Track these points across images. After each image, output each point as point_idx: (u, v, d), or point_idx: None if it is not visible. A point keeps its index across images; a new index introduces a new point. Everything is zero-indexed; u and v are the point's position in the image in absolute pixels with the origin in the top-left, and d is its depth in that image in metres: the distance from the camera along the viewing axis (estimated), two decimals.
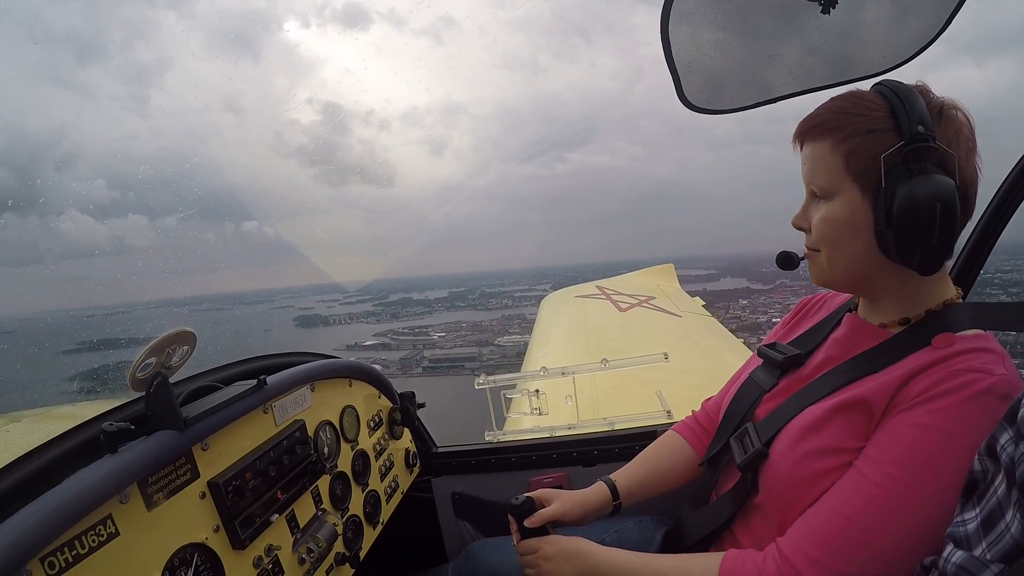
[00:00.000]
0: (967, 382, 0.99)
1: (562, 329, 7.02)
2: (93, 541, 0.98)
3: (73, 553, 0.94)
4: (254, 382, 1.41)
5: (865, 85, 1.19)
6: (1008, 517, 0.76)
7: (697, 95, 1.43)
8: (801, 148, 1.20)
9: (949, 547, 0.83)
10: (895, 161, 1.05)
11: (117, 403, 1.28)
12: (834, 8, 1.28)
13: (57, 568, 0.92)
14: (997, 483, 0.80)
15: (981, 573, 0.76)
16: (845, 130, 1.10)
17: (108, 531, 1.01)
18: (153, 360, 1.16)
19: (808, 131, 1.16)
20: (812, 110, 1.18)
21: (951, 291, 1.18)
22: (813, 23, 1.33)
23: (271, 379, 1.47)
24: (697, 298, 9.01)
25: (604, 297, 7.95)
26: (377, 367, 2.06)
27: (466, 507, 2.27)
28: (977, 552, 0.78)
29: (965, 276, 1.81)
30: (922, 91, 1.10)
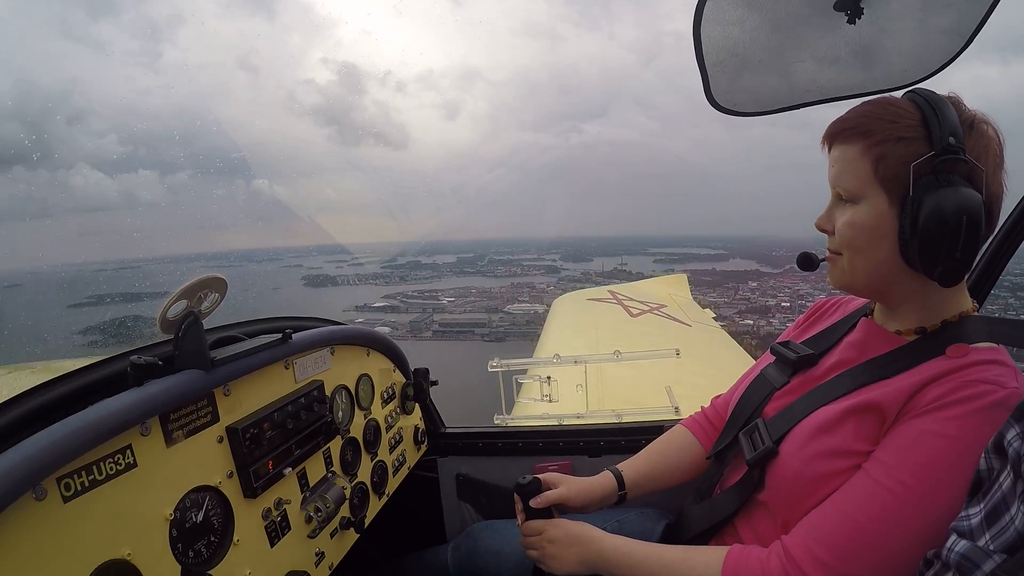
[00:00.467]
0: (980, 393, 1.00)
1: (573, 329, 7.04)
2: (111, 468, 0.99)
3: (90, 478, 0.96)
4: (279, 335, 1.44)
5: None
6: (1013, 510, 0.77)
7: (725, 96, 1.46)
8: (830, 150, 1.19)
9: (952, 537, 0.84)
10: (924, 170, 1.05)
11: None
12: (860, 18, 1.29)
13: (72, 490, 0.93)
14: (1002, 478, 0.82)
15: (983, 562, 0.77)
16: (876, 135, 1.10)
17: (127, 461, 1.03)
18: (184, 303, 1.17)
19: (839, 133, 1.16)
20: (842, 113, 1.19)
21: (968, 303, 1.18)
22: (839, 33, 1.35)
23: (295, 336, 1.50)
24: (708, 310, 9.04)
25: (616, 302, 7.96)
26: (391, 338, 2.08)
27: (469, 489, 2.29)
28: (980, 543, 0.79)
29: (980, 288, 1.81)
30: (955, 102, 1.10)
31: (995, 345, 1.11)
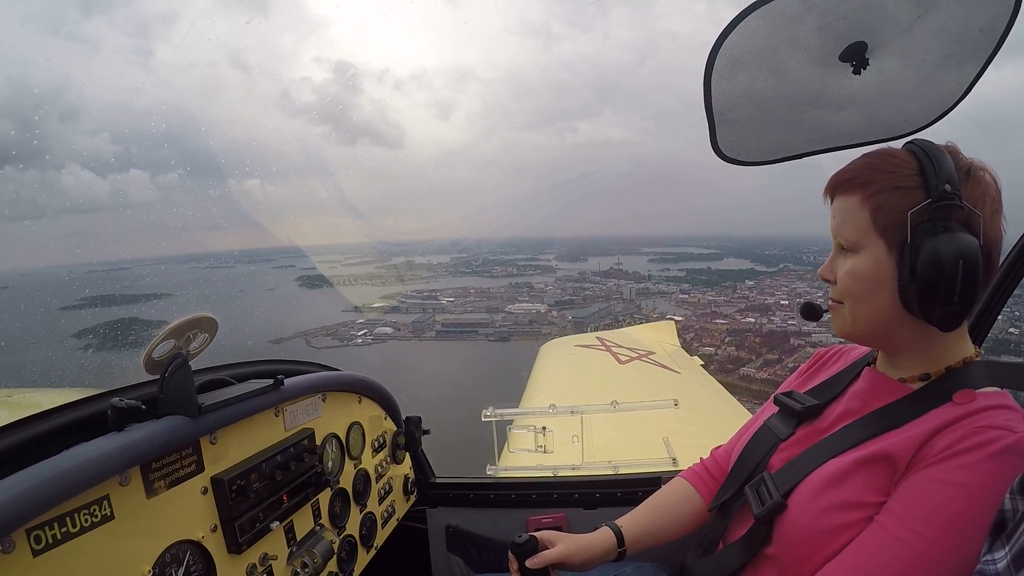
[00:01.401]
0: (990, 439, 0.99)
1: (561, 376, 7.02)
2: (86, 520, 0.93)
3: (63, 530, 0.89)
4: (270, 381, 1.38)
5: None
6: None
7: (729, 146, 1.48)
8: (831, 202, 1.21)
9: None
10: (921, 218, 1.07)
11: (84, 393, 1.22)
12: (864, 69, 1.31)
13: (43, 543, 0.87)
14: None
15: None
16: (874, 186, 1.12)
17: (103, 512, 0.96)
18: (172, 343, 1.12)
19: (839, 185, 1.18)
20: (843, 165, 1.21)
21: (970, 348, 1.18)
22: (844, 83, 1.36)
23: (287, 382, 1.44)
24: (696, 357, 9.05)
25: (604, 348, 7.91)
26: (386, 387, 2.02)
27: (459, 541, 2.21)
28: None
29: (977, 332, 1.82)
30: (951, 151, 1.12)
31: (999, 389, 1.11)
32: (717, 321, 52.09)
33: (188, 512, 1.15)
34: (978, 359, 1.17)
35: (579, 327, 56.20)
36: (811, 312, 1.33)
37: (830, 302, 1.24)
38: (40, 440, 1.04)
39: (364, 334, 57.67)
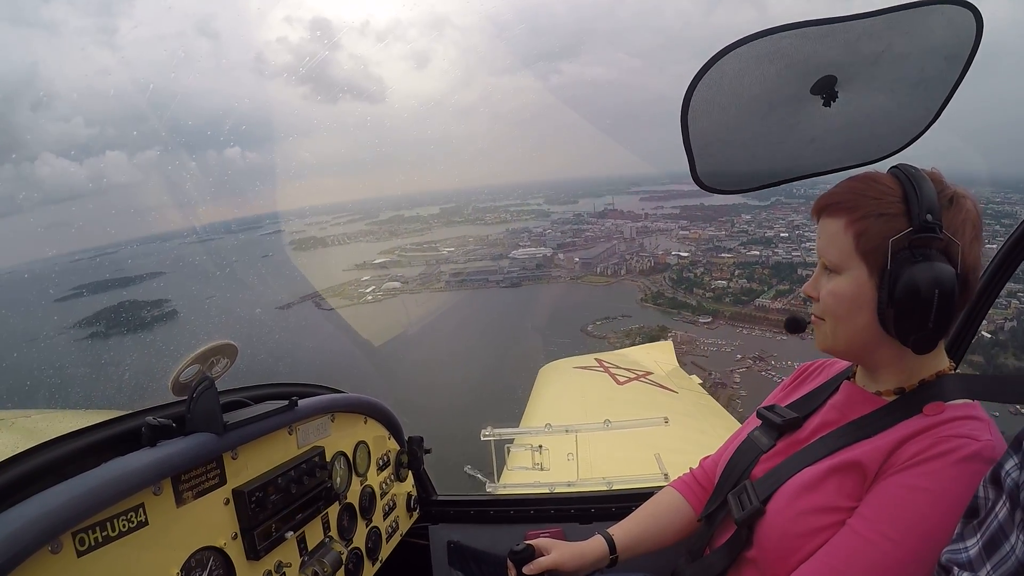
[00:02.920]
0: (955, 447, 1.06)
1: (560, 398, 7.08)
2: (123, 526, 1.04)
3: (104, 534, 1.00)
4: (285, 402, 1.49)
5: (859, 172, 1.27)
6: (1013, 539, 0.80)
7: (710, 178, 1.53)
8: (818, 221, 1.27)
9: (955, 570, 0.87)
10: (901, 245, 1.12)
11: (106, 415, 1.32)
12: (834, 102, 1.38)
13: (87, 545, 0.97)
14: (998, 508, 0.85)
15: None
16: (859, 211, 1.17)
17: (139, 519, 1.07)
18: (196, 367, 1.24)
19: (826, 207, 1.24)
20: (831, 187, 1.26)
21: (944, 362, 1.24)
22: (815, 115, 1.43)
23: (300, 403, 1.55)
24: (694, 376, 9.07)
25: (602, 370, 7.91)
26: (389, 407, 2.11)
27: (461, 557, 2.28)
28: (981, 574, 0.82)
29: (956, 347, 1.88)
30: (935, 178, 1.17)
31: (971, 401, 1.17)
32: (723, 255, 51.69)
33: (212, 521, 1.25)
34: (951, 373, 1.23)
35: (587, 268, 56.26)
36: (795, 326, 1.41)
37: (813, 317, 1.30)
38: (79, 454, 1.13)
39: (372, 290, 56.68)
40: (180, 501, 1.17)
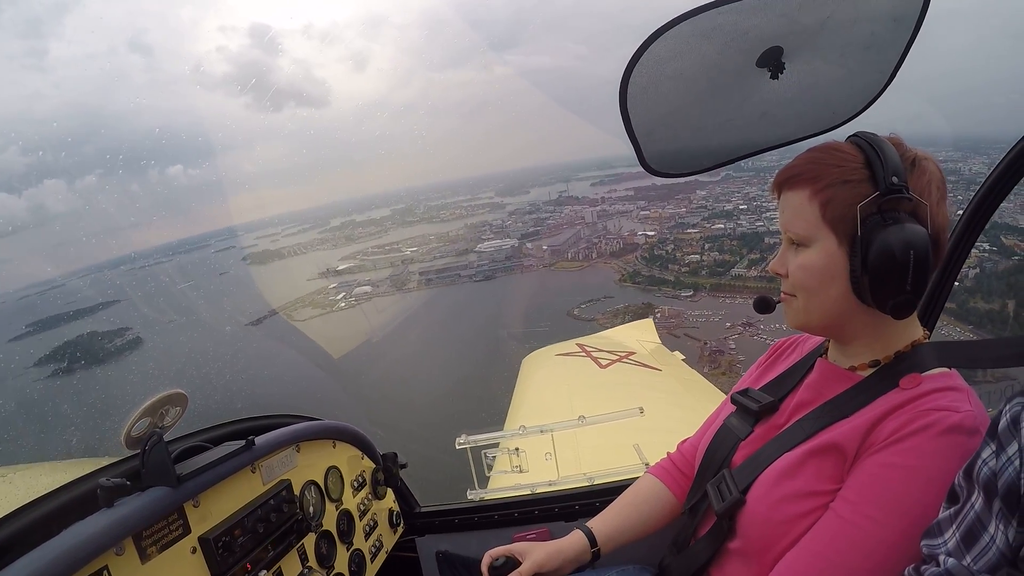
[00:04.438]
0: (934, 421, 1.04)
1: (544, 388, 7.08)
2: None
3: None
4: (242, 442, 1.48)
5: (816, 142, 1.26)
6: (991, 529, 0.79)
7: (659, 162, 1.48)
8: (779, 197, 1.24)
9: (941, 557, 0.86)
10: (870, 210, 1.10)
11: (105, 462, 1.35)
12: (782, 73, 1.34)
13: None
14: (973, 499, 0.83)
15: None
16: (823, 180, 1.14)
17: None
18: (147, 420, 1.24)
19: (786, 181, 1.21)
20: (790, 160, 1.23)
21: (919, 332, 1.23)
22: (764, 88, 1.38)
23: (259, 440, 1.54)
24: (677, 352, 9.01)
25: (584, 354, 7.91)
26: (356, 428, 2.08)
27: (451, 566, 2.28)
28: (964, 563, 0.82)
29: (928, 315, 1.88)
30: (895, 143, 1.15)
31: (948, 370, 1.16)
32: (689, 231, 52.91)
33: (181, 571, 1.25)
34: (926, 342, 1.21)
35: (558, 255, 56.90)
36: (764, 305, 1.37)
37: (783, 295, 1.27)
38: (43, 522, 1.14)
39: (344, 296, 56.30)
40: (145, 557, 1.17)
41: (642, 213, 60.13)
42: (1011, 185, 1.72)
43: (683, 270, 48.85)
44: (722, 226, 50.98)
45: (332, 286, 59.38)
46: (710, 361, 32.81)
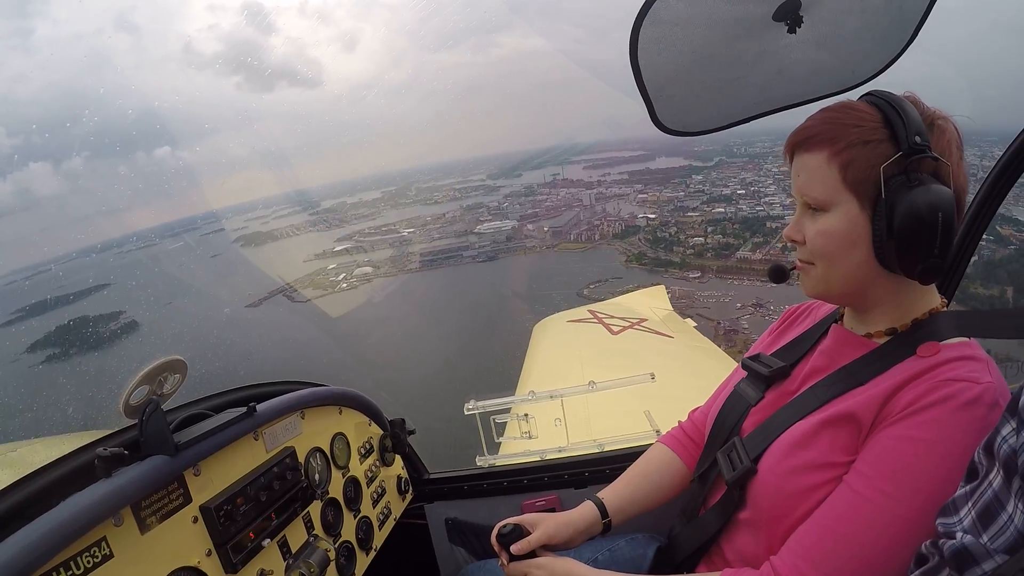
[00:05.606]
0: (954, 392, 1.00)
1: (556, 354, 7.05)
2: (88, 562, 1.02)
3: (69, 573, 0.99)
4: (244, 409, 1.46)
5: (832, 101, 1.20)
6: (1010, 508, 0.77)
7: (672, 119, 1.43)
8: (791, 160, 1.19)
9: (959, 534, 0.83)
10: (894, 171, 1.06)
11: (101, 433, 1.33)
12: (800, 27, 1.28)
13: None
14: (992, 477, 0.81)
15: (984, 561, 0.78)
16: (841, 141, 1.09)
17: (102, 553, 1.05)
18: (145, 388, 1.21)
19: (802, 142, 1.15)
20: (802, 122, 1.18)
21: (936, 299, 1.19)
22: (781, 43, 1.33)
23: (261, 407, 1.52)
24: (689, 320, 9.02)
25: (596, 321, 7.87)
26: (363, 394, 2.06)
27: (460, 532, 2.27)
28: (981, 542, 0.79)
29: (947, 284, 1.82)
30: (914, 101, 1.11)
31: (967, 339, 1.12)
32: (690, 214, 53.20)
33: (182, 541, 1.24)
34: (944, 310, 1.17)
35: (560, 236, 57.31)
36: (779, 274, 1.34)
37: (799, 263, 1.22)
38: (40, 495, 1.13)
39: (344, 277, 56.08)
40: (144, 528, 1.15)
41: (640, 196, 60.12)
42: None
43: (688, 252, 49.13)
44: (723, 209, 51.25)
45: (331, 267, 59.18)
46: (726, 340, 32.88)
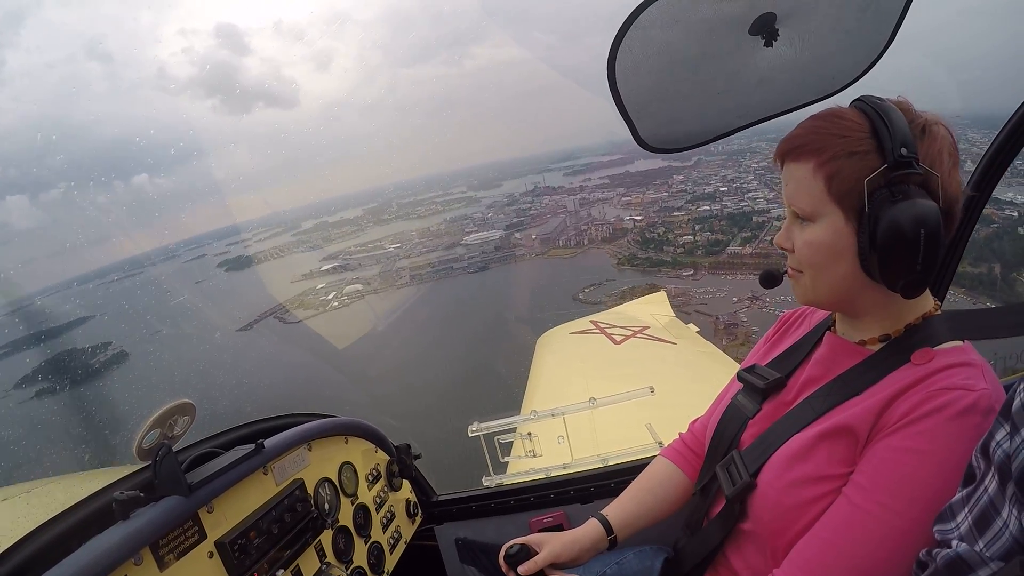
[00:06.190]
0: (949, 401, 1.00)
1: (559, 368, 7.04)
2: None
3: None
4: (253, 446, 1.51)
5: (817, 108, 1.20)
6: (1005, 514, 0.76)
7: (655, 138, 1.45)
8: (782, 167, 1.18)
9: (955, 542, 0.83)
10: (878, 184, 1.05)
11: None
12: (776, 40, 1.30)
13: None
14: (987, 482, 0.81)
15: (979, 568, 0.77)
16: (827, 152, 1.08)
17: None
18: (157, 431, 1.27)
19: (789, 152, 1.15)
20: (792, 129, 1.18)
21: (930, 303, 1.19)
22: (758, 56, 1.35)
23: (268, 442, 1.56)
24: (692, 325, 9.05)
25: (598, 331, 7.86)
26: (367, 422, 2.10)
27: (470, 552, 2.30)
28: (975, 549, 0.79)
29: (938, 283, 1.84)
30: (904, 107, 1.09)
31: (961, 343, 1.12)
32: (676, 214, 53.20)
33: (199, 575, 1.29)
34: (938, 313, 1.17)
35: (549, 243, 56.99)
36: (770, 280, 1.34)
37: (789, 270, 1.23)
38: (62, 539, 1.18)
39: (335, 295, 55.37)
40: (163, 566, 1.20)
41: (624, 199, 60.19)
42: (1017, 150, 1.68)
43: (679, 251, 49.17)
44: (708, 207, 51.26)
45: (320, 286, 58.48)
46: (727, 334, 33.10)
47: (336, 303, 54.56)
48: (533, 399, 6.05)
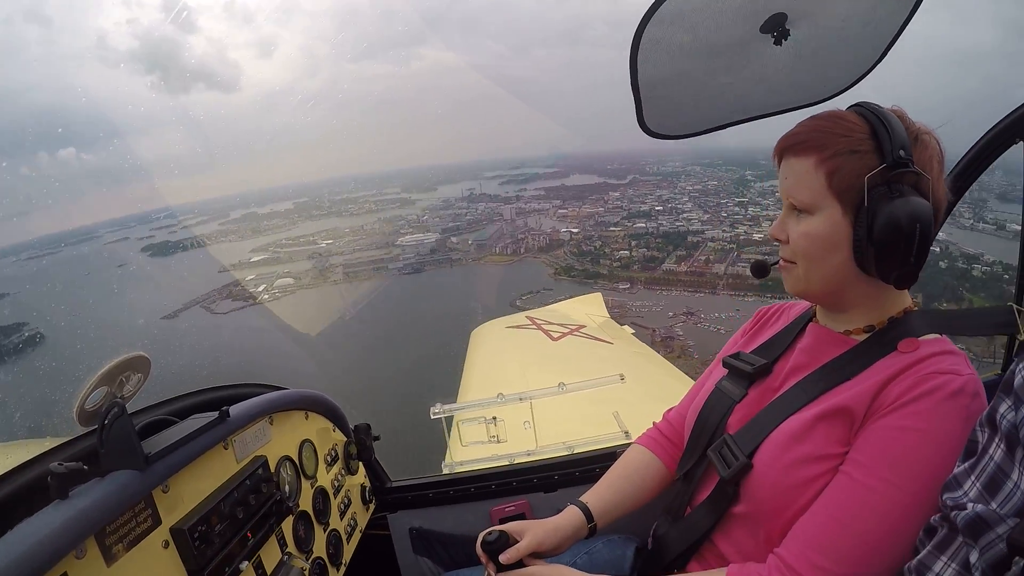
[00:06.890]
0: (940, 384, 1.07)
1: (496, 360, 7.00)
2: None
3: None
4: (214, 414, 1.31)
5: (814, 111, 1.27)
6: (1015, 476, 0.82)
7: (657, 123, 1.48)
8: (780, 162, 1.24)
9: (969, 506, 0.86)
10: (877, 181, 1.12)
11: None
12: (786, 40, 1.35)
13: None
14: (992, 449, 0.87)
15: (997, 525, 0.81)
16: (830, 149, 1.15)
17: None
18: (104, 389, 1.05)
19: (791, 147, 1.21)
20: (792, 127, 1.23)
21: (908, 299, 1.26)
22: (766, 54, 1.40)
23: (233, 410, 1.38)
24: (627, 326, 9.27)
25: (536, 327, 7.91)
26: (329, 397, 1.96)
27: (425, 542, 2.20)
28: (992, 507, 0.84)
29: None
30: (900, 115, 1.17)
31: (940, 335, 1.19)
32: (612, 229, 55.20)
33: (152, 570, 1.08)
34: (916, 309, 1.25)
35: (484, 249, 58.19)
36: (760, 270, 1.41)
37: (782, 261, 1.28)
38: None
39: (265, 288, 53.85)
40: (110, 558, 0.98)
41: (560, 212, 61.65)
42: (990, 161, 1.76)
43: (615, 264, 50.86)
44: (643, 225, 53.51)
45: (250, 278, 56.84)
46: (663, 346, 34.15)
47: (266, 296, 53.18)
48: (469, 391, 6.01)
